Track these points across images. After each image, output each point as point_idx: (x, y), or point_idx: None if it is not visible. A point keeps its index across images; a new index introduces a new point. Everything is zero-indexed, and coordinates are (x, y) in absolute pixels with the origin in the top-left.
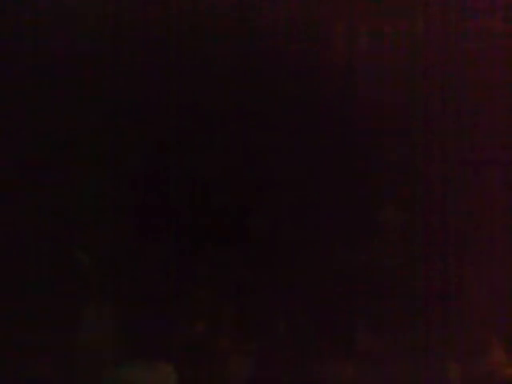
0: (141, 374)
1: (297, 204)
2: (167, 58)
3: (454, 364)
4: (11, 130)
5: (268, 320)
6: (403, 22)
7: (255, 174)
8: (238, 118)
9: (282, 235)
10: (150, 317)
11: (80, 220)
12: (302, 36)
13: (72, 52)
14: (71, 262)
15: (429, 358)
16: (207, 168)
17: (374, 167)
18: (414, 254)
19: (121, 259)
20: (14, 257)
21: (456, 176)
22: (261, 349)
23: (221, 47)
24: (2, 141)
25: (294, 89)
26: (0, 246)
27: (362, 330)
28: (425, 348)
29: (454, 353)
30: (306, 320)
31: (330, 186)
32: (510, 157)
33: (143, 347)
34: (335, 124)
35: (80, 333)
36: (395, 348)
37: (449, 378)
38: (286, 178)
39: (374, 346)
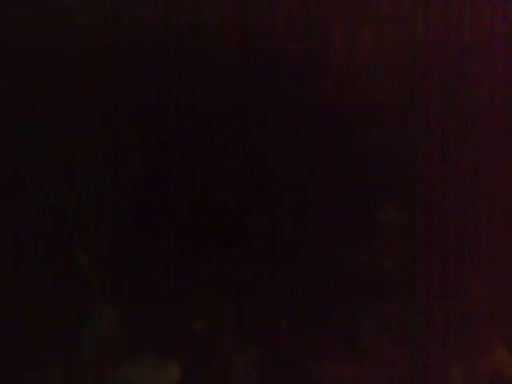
0: (145, 371)
1: (297, 204)
2: (166, 58)
3: (456, 365)
4: (10, 129)
5: (268, 320)
6: (404, 21)
7: (255, 173)
8: (238, 117)
9: (282, 235)
10: (151, 316)
11: (79, 220)
12: (302, 36)
13: (71, 51)
14: (71, 262)
15: (430, 359)
16: (207, 168)
17: (374, 167)
18: (414, 254)
19: (121, 259)
20: (14, 257)
21: (456, 176)
22: (261, 349)
23: (221, 47)
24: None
25: (293, 88)
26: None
27: (362, 331)
28: (425, 349)
29: (456, 354)
30: (306, 320)
31: (330, 186)
32: (511, 157)
33: (144, 346)
34: (335, 124)
35: (81, 333)
36: (395, 349)
37: (450, 379)
38: (286, 178)
39: (374, 346)
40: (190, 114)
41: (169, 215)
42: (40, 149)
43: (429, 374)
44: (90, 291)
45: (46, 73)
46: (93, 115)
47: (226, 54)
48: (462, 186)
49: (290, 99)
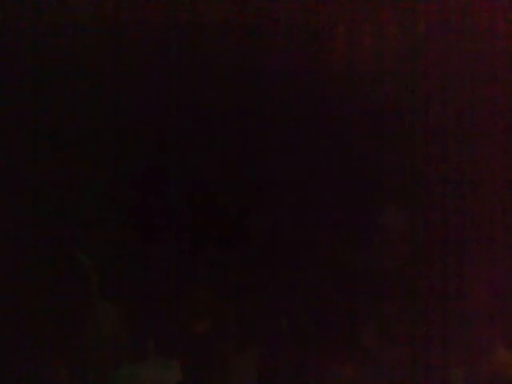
0: (148, 370)
1: (297, 204)
2: (166, 58)
3: (456, 365)
4: (10, 129)
5: (269, 320)
6: (404, 22)
7: (256, 173)
8: (239, 118)
9: (282, 235)
10: (152, 316)
11: (79, 220)
12: (302, 36)
13: (71, 51)
14: (71, 263)
15: (430, 359)
16: (207, 168)
17: (375, 167)
18: (415, 254)
19: (121, 259)
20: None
21: (456, 176)
22: (262, 350)
23: (221, 47)
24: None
25: (294, 88)
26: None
27: (362, 331)
28: (426, 349)
29: (456, 354)
30: (307, 320)
31: (330, 186)
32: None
33: (146, 346)
34: (335, 124)
35: (83, 333)
36: (396, 349)
37: (451, 380)
38: (286, 178)
39: (374, 347)
40: (190, 114)
41: (169, 215)
42: (39, 148)
43: (429, 375)
44: (91, 291)
45: (44, 72)
46: (92, 115)
47: (226, 53)
48: (462, 186)
49: (290, 99)
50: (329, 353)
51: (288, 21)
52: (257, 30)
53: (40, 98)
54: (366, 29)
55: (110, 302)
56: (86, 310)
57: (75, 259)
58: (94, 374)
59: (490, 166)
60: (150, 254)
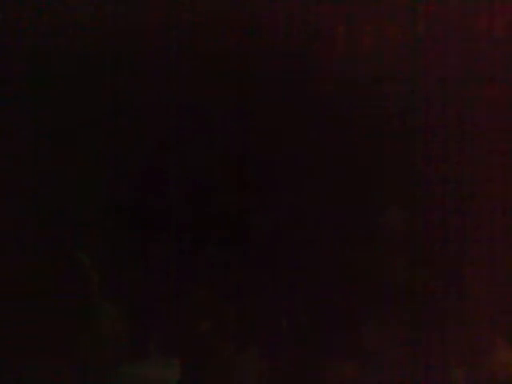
0: (149, 370)
1: (297, 204)
2: (166, 57)
3: (457, 365)
4: (10, 129)
5: (270, 321)
6: (405, 22)
7: (256, 174)
8: (239, 117)
9: (282, 235)
10: (152, 316)
11: (79, 220)
12: (303, 35)
13: (71, 50)
14: (71, 263)
15: (431, 359)
16: (207, 167)
17: (375, 167)
18: (415, 253)
19: (121, 259)
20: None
21: (456, 175)
22: (263, 349)
23: (221, 46)
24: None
25: (293, 88)
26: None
27: (362, 331)
28: (426, 349)
29: (457, 354)
30: (307, 320)
31: (331, 186)
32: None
33: (146, 345)
34: (334, 124)
35: (83, 333)
36: (396, 349)
37: (452, 380)
38: (286, 178)
39: (375, 347)
40: (190, 114)
41: (169, 215)
42: (38, 148)
43: (430, 375)
44: (92, 290)
45: (45, 72)
46: (92, 115)
47: (226, 53)
48: (463, 186)
49: (290, 98)
50: (329, 353)
51: (288, 20)
52: (256, 29)
53: (40, 97)
54: (366, 29)
55: (110, 301)
56: (87, 309)
57: (75, 259)
58: (94, 373)
59: (490, 165)
60: (150, 253)
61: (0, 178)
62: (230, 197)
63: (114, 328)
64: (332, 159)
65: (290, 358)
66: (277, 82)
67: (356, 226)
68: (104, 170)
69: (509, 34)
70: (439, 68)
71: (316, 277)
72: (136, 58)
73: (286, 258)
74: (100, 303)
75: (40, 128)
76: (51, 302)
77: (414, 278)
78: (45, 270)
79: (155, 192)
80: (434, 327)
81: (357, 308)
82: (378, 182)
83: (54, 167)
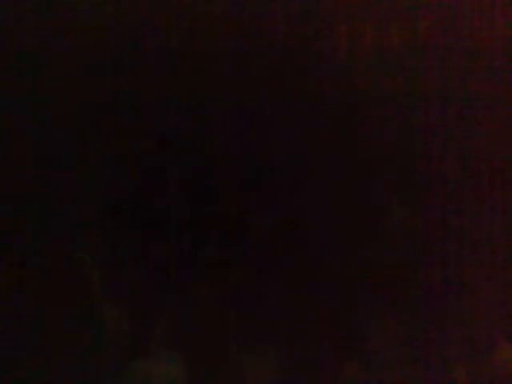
0: (152, 367)
1: (298, 203)
2: (165, 57)
3: (460, 363)
4: (11, 129)
5: (270, 321)
6: (405, 22)
7: (258, 173)
8: (240, 116)
9: (284, 234)
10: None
11: (80, 220)
12: (304, 34)
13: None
14: (72, 262)
15: (433, 358)
16: (208, 167)
17: (376, 167)
18: (416, 252)
19: (122, 258)
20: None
21: (456, 175)
22: (264, 349)
23: (221, 46)
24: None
25: (295, 87)
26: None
27: (363, 331)
28: (427, 348)
29: (460, 352)
30: (307, 320)
31: (331, 186)
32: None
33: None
34: (336, 123)
35: (85, 331)
36: (398, 348)
37: (454, 378)
38: (287, 177)
39: (376, 346)
40: (191, 113)
41: (169, 215)
42: (38, 147)
43: (432, 373)
44: (93, 289)
45: (46, 71)
46: (92, 114)
47: (226, 52)
48: (463, 186)
49: (291, 98)
50: (329, 353)
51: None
52: (257, 28)
53: (39, 97)
54: (367, 28)
55: (111, 299)
56: (88, 308)
57: (76, 258)
58: (97, 372)
59: (490, 165)
60: (150, 252)
61: (0, 177)
62: (230, 197)
63: (116, 326)
64: (332, 159)
65: (290, 357)
66: (277, 83)
67: (356, 226)
68: (104, 169)
69: (509, 33)
70: (439, 67)
71: (317, 277)
72: (136, 57)
73: (288, 257)
74: (101, 302)
75: (40, 128)
76: (52, 302)
77: (415, 277)
78: (45, 270)
79: (155, 192)
80: (435, 325)
81: (357, 307)
82: (377, 182)
83: (54, 167)
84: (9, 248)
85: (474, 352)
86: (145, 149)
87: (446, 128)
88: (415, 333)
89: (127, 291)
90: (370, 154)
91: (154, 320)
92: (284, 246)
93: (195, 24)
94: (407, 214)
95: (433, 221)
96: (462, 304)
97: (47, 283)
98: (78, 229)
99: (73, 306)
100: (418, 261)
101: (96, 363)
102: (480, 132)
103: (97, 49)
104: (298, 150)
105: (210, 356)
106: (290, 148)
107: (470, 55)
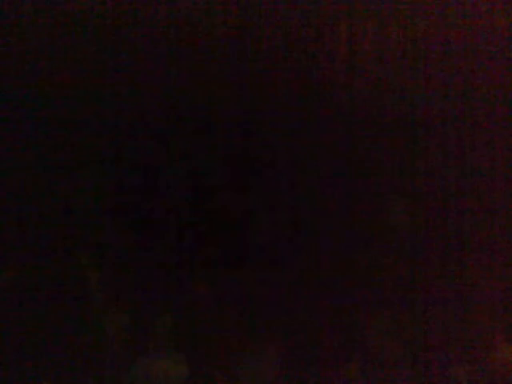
0: (158, 363)
1: (299, 203)
2: (166, 60)
3: (459, 364)
4: (12, 131)
5: (270, 321)
6: (405, 22)
7: (258, 175)
8: (240, 118)
9: (284, 236)
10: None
11: (79, 220)
12: (304, 34)
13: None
14: (71, 262)
15: (433, 359)
16: (208, 168)
17: (375, 167)
18: (416, 253)
19: (122, 258)
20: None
21: (456, 175)
22: (263, 349)
23: (221, 46)
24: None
25: (294, 90)
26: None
27: (363, 331)
28: (428, 348)
29: (459, 353)
30: (307, 320)
31: (331, 186)
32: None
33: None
34: (336, 124)
35: (84, 332)
36: (398, 349)
37: (454, 378)
38: (287, 178)
39: (376, 347)
40: (191, 115)
41: (169, 215)
42: (40, 147)
43: (432, 374)
44: (91, 289)
45: (46, 72)
46: (92, 114)
47: (226, 55)
48: (463, 186)
49: (291, 100)
50: (329, 353)
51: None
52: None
53: (40, 97)
54: (367, 28)
55: (111, 300)
56: (86, 307)
57: (74, 258)
58: (97, 371)
59: (490, 165)
60: (150, 252)
61: (0, 178)
62: (230, 197)
63: (116, 326)
64: (332, 159)
65: (290, 357)
66: (278, 82)
67: (356, 226)
68: (104, 169)
69: (509, 33)
70: (439, 67)
71: (317, 277)
72: (137, 57)
73: (287, 258)
74: (100, 302)
75: (40, 127)
76: (52, 302)
77: (415, 277)
78: (45, 271)
79: (155, 192)
80: (435, 326)
81: (357, 308)
82: (378, 182)
83: (54, 167)
84: (8, 248)
85: (474, 352)
86: (144, 149)
87: (446, 128)
88: (415, 333)
89: (127, 292)
90: (370, 154)
91: (154, 319)
92: (284, 247)
93: (194, 22)
94: (408, 215)
95: (433, 221)
96: (461, 305)
97: (47, 283)
98: (77, 229)
99: (72, 307)
100: (417, 261)
101: (96, 363)
102: (480, 132)
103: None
104: (298, 150)
105: (210, 355)
106: (290, 148)
107: (471, 55)
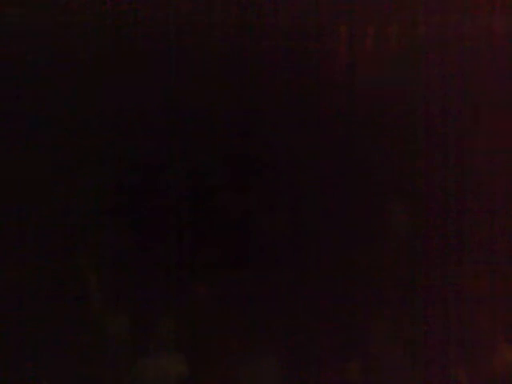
0: (158, 363)
1: (298, 203)
2: (167, 59)
3: (460, 365)
4: (13, 132)
5: (270, 321)
6: (405, 23)
7: (258, 174)
8: (239, 117)
9: (284, 237)
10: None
11: (79, 220)
12: (304, 36)
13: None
14: (71, 262)
15: (433, 360)
16: (208, 168)
17: (375, 168)
18: (415, 253)
19: (122, 258)
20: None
21: (456, 176)
22: (263, 350)
23: (221, 47)
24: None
25: (294, 90)
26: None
27: (363, 333)
28: (428, 349)
29: (460, 354)
30: (307, 320)
31: (331, 187)
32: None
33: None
34: (336, 124)
35: (82, 332)
36: (398, 351)
37: (455, 380)
38: (287, 178)
39: (377, 348)
40: (191, 114)
41: (169, 215)
42: (39, 148)
43: (432, 374)
44: (91, 291)
45: (46, 74)
46: (92, 114)
47: (226, 54)
48: (463, 186)
49: (290, 100)
50: (329, 354)
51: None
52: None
53: (40, 98)
54: (368, 29)
55: (111, 300)
56: (86, 308)
57: (74, 258)
58: (97, 372)
59: (490, 165)
60: (150, 253)
61: (0, 178)
62: (232, 197)
63: (116, 326)
64: (332, 159)
65: (290, 357)
66: (278, 83)
67: (356, 226)
68: (105, 169)
69: (509, 32)
70: (439, 68)
71: (317, 277)
72: (137, 58)
73: (288, 258)
74: (100, 303)
75: (40, 130)
76: (52, 302)
77: (415, 278)
78: (45, 271)
79: (155, 192)
80: (435, 327)
81: (358, 309)
82: (379, 183)
83: (53, 167)
84: (8, 248)
85: (475, 354)
86: (144, 149)
87: (446, 128)
88: (416, 335)
89: (127, 292)
90: (370, 155)
91: (154, 320)
92: (284, 247)
93: (195, 23)
94: (408, 215)
95: (433, 222)
96: (462, 306)
97: (47, 284)
98: (76, 230)
99: (72, 307)
100: (417, 261)
101: (96, 363)
102: (480, 132)
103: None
104: (298, 150)
105: (210, 356)
106: (290, 148)
107: (471, 55)
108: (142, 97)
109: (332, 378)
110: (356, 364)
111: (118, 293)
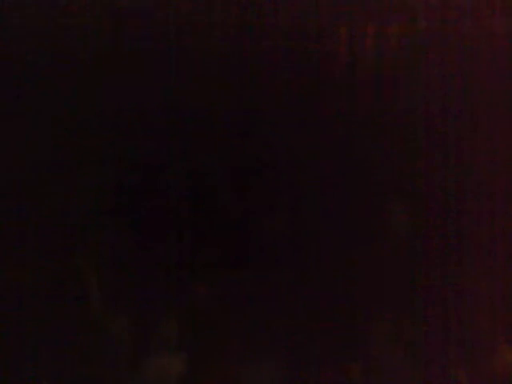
0: (158, 363)
1: (298, 204)
2: (166, 58)
3: (460, 366)
4: (12, 132)
5: (270, 321)
6: (405, 22)
7: (258, 174)
8: (239, 117)
9: (284, 237)
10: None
11: (79, 220)
12: (304, 36)
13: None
14: (71, 263)
15: (433, 361)
16: (208, 168)
17: (375, 168)
18: (415, 253)
19: (121, 259)
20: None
21: (456, 176)
22: (263, 350)
23: (221, 47)
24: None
25: (294, 88)
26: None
27: (363, 334)
28: (428, 349)
29: (460, 355)
30: (307, 320)
31: (331, 187)
32: (511, 157)
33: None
34: (336, 124)
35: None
36: (398, 352)
37: (455, 381)
38: (287, 178)
39: (376, 349)
40: (191, 114)
41: (169, 215)
42: (39, 148)
43: (432, 375)
44: (91, 291)
45: (45, 74)
46: (92, 114)
47: (227, 54)
48: (463, 186)
49: (290, 99)
50: (329, 355)
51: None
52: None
53: (40, 98)
54: (368, 29)
55: (111, 300)
56: (86, 308)
57: (74, 258)
58: (93, 372)
59: (490, 165)
60: (150, 253)
61: None
62: (232, 197)
63: (117, 327)
64: (333, 159)
65: (290, 357)
66: (278, 83)
67: (356, 226)
68: (105, 169)
69: (509, 32)
70: (439, 68)
71: (317, 277)
72: (136, 56)
73: (287, 259)
74: (100, 303)
75: (40, 130)
76: (52, 302)
77: (415, 279)
78: (45, 271)
79: (155, 192)
80: (435, 327)
81: (357, 310)
82: (379, 183)
83: (53, 167)
84: (8, 248)
85: (475, 354)
86: (144, 148)
87: (446, 128)
88: (416, 335)
89: (127, 293)
90: (370, 155)
91: (154, 320)
92: (285, 247)
93: (194, 20)
94: (408, 215)
95: (433, 222)
96: (462, 306)
97: (46, 286)
98: (76, 231)
99: (72, 307)
100: (418, 263)
101: (96, 363)
102: (480, 132)
103: None
104: (298, 150)
105: (210, 356)
106: (290, 148)
107: (471, 55)
108: (141, 97)
109: (332, 377)
110: (356, 364)
111: (118, 293)
